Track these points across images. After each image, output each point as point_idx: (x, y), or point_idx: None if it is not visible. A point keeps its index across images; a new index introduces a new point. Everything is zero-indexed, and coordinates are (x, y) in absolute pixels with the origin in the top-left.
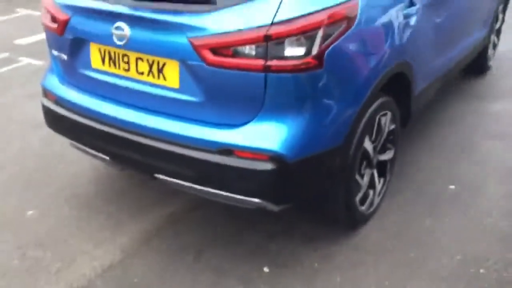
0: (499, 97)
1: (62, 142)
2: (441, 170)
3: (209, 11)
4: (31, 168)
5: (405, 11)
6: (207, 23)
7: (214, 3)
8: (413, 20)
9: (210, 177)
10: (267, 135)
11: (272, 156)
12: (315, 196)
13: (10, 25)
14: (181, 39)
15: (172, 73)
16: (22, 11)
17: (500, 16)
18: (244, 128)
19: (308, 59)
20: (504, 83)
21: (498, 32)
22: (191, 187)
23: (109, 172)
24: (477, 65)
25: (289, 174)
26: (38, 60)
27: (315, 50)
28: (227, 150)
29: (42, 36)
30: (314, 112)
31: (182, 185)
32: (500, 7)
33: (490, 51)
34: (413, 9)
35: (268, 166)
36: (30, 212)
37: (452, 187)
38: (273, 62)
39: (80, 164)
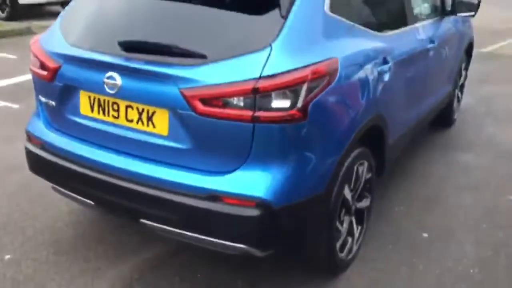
0: (464, 149)
1: (39, 186)
2: (414, 218)
3: (200, 64)
4: (7, 212)
5: (379, 68)
6: (198, 75)
7: (205, 57)
8: (386, 77)
9: (196, 223)
10: (254, 182)
11: (259, 203)
12: (298, 242)
13: None
14: (173, 90)
15: (162, 121)
16: None
17: (463, 72)
18: (231, 175)
19: (293, 111)
20: (469, 135)
21: (462, 88)
22: (176, 232)
23: (87, 217)
24: (444, 118)
25: (275, 220)
26: (14, 103)
27: (300, 103)
28: (214, 196)
29: (18, 79)
30: (298, 161)
31: (168, 230)
32: (463, 65)
33: (455, 104)
34: (386, 67)
35: (254, 212)
36: (7, 257)
37: (425, 235)
38: (261, 113)
39: (58, 208)
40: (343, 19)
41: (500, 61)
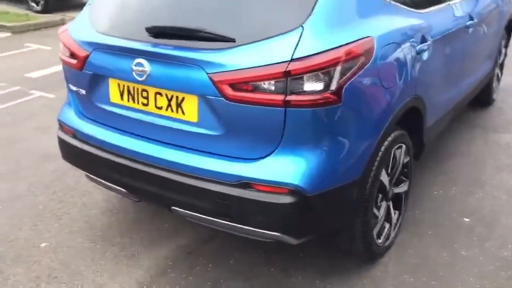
0: (505, 129)
1: (74, 175)
2: (455, 202)
3: (228, 48)
4: (43, 201)
5: (417, 48)
6: (226, 59)
7: (233, 40)
8: (425, 56)
9: (228, 211)
10: (286, 168)
11: (292, 190)
12: (334, 229)
13: (20, 59)
14: (201, 75)
15: (191, 108)
16: (31, 46)
17: (504, 50)
18: (263, 161)
19: (327, 94)
20: (508, 115)
21: (502, 66)
22: (208, 220)
23: (122, 203)
24: (483, 97)
25: (309, 208)
26: (49, 93)
27: (333, 86)
28: (245, 183)
29: (52, 69)
30: (332, 146)
31: (199, 218)
32: (503, 42)
33: (494, 84)
34: (425, 46)
35: (287, 199)
36: (43, 244)
37: (467, 219)
38: (292, 97)
39: (93, 196)
40: None
41: None
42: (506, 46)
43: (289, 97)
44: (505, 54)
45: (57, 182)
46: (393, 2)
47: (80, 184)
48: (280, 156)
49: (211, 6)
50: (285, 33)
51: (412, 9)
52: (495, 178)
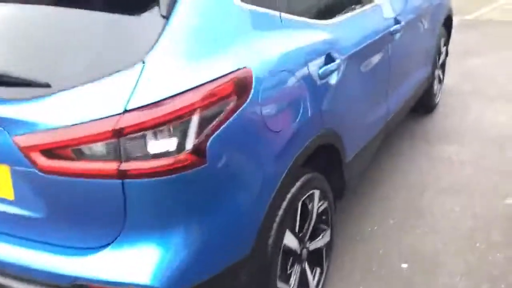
0: (449, 138)
1: None
2: (391, 241)
3: (39, 98)
4: None
5: (321, 70)
6: (36, 114)
7: (47, 85)
8: (333, 79)
9: None
10: (134, 262)
11: None
12: None
13: None
14: (4, 138)
15: (4, 181)
16: None
17: (443, 49)
18: (102, 253)
19: (183, 155)
20: (453, 121)
21: (443, 66)
22: None
23: None
24: (424, 103)
25: None
26: None
27: (191, 143)
28: (81, 285)
29: None
30: (200, 224)
31: None
32: (442, 41)
33: (436, 87)
34: (332, 66)
35: None
36: None
37: (405, 265)
38: (130, 165)
39: None
40: (262, 9)
41: (487, 28)
42: (446, 45)
43: (125, 165)
44: (446, 53)
45: None
46: (284, 15)
47: None
48: (125, 246)
49: (16, 39)
50: (119, 71)
51: (314, 21)
52: (436, 205)
